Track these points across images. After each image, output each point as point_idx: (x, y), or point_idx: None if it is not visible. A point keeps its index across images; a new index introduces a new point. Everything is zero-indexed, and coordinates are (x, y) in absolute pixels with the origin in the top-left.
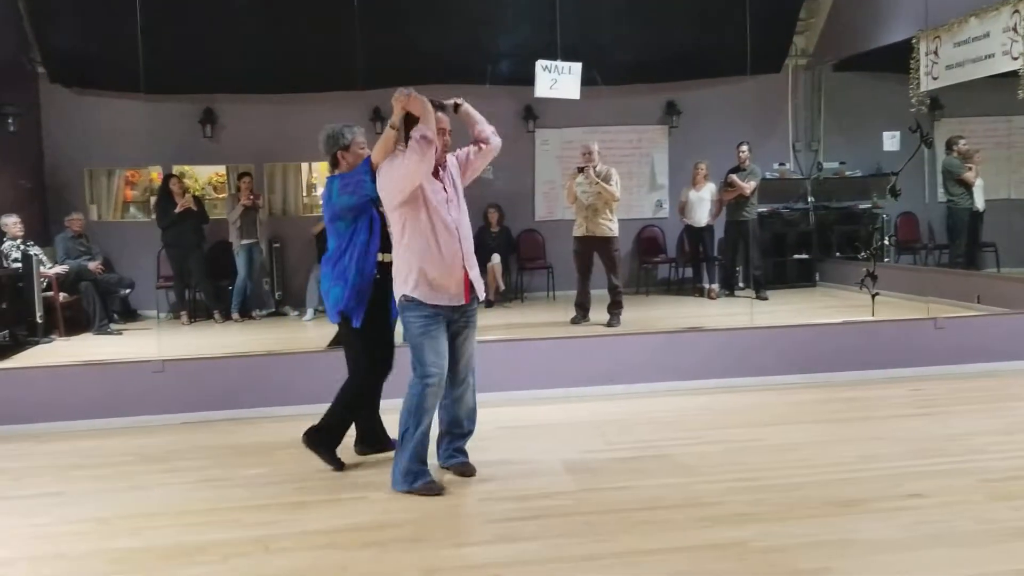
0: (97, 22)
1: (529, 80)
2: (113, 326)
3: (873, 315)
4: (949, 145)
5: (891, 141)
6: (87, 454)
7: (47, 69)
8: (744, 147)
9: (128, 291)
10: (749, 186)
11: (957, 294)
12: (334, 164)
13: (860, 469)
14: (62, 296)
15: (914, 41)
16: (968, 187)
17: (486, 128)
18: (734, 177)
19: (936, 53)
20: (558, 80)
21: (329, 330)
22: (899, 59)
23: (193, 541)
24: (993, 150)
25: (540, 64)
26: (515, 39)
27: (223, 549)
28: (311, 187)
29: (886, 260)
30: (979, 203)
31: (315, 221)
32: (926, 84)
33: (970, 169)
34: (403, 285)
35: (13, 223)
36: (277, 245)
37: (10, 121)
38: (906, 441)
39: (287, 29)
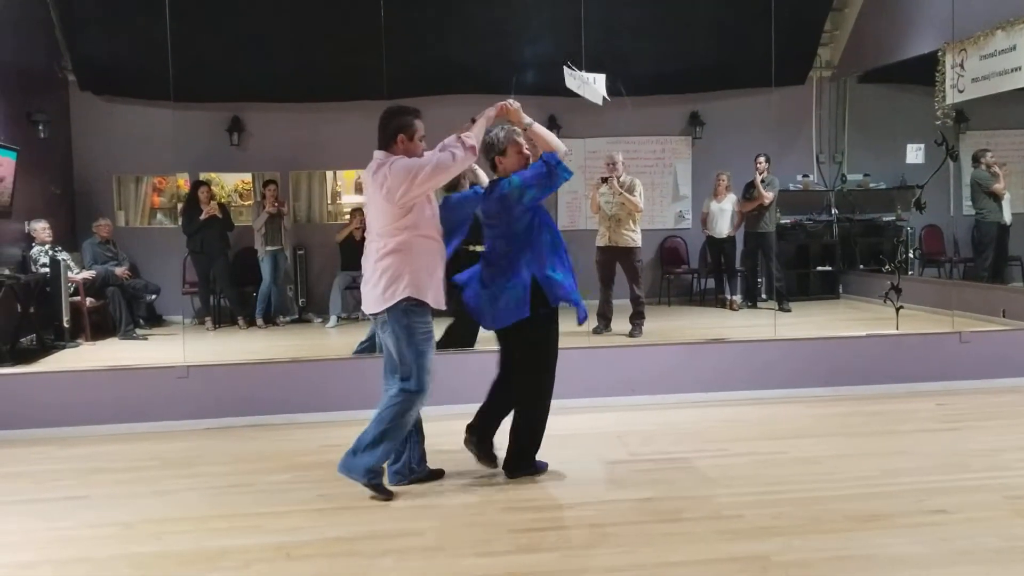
0: (127, 31)
1: (553, 90)
2: (139, 331)
3: (897, 328)
4: (976, 158)
5: (915, 154)
6: (111, 458)
7: (77, 77)
8: (762, 158)
9: (154, 296)
10: (768, 196)
11: (983, 308)
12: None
13: (883, 484)
14: (89, 301)
15: (940, 53)
16: (997, 200)
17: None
18: (758, 179)
19: (962, 66)
20: (584, 86)
21: (350, 338)
22: (924, 71)
23: (215, 546)
24: (1020, 163)
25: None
26: (539, 49)
27: (245, 555)
28: (336, 195)
29: (910, 273)
30: (1007, 216)
31: (339, 228)
32: (952, 97)
33: (999, 181)
34: (408, 288)
35: (42, 228)
36: (302, 252)
37: (40, 128)
38: (930, 456)
39: (314, 38)
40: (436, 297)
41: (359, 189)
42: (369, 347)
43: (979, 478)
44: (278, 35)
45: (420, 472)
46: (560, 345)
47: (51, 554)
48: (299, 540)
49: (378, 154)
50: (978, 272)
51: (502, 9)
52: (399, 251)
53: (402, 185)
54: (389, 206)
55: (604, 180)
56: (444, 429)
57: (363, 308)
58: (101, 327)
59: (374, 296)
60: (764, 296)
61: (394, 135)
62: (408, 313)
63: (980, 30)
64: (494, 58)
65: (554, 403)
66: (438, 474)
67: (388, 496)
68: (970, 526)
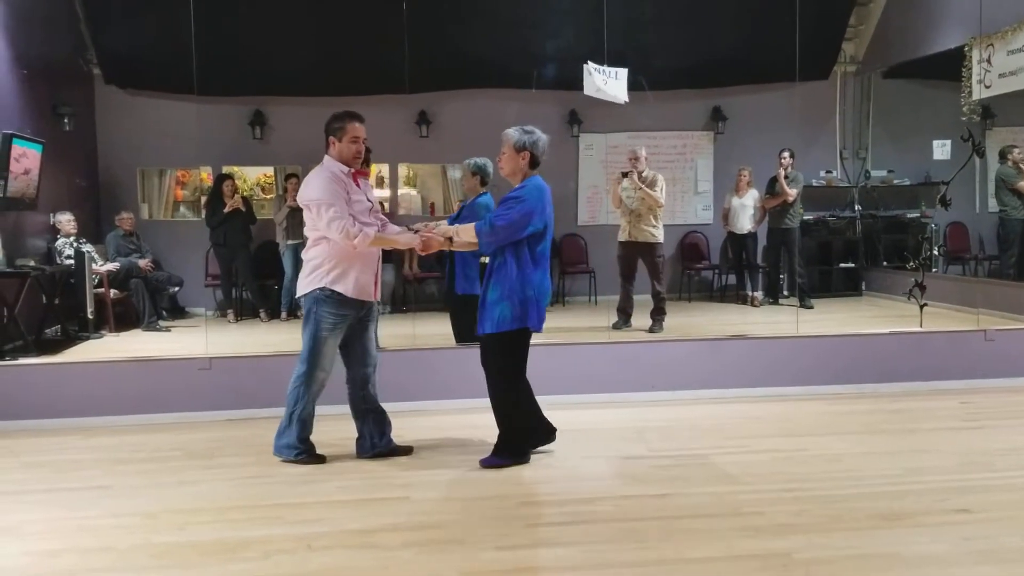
0: (152, 25)
1: (574, 85)
2: (162, 323)
3: (921, 326)
4: (1003, 154)
5: (941, 150)
6: (134, 449)
7: (102, 70)
8: (786, 154)
9: (177, 289)
10: (792, 192)
11: (1008, 305)
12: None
13: (906, 482)
14: (113, 293)
15: (966, 48)
16: (1022, 196)
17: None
18: (782, 175)
19: (989, 61)
20: (607, 82)
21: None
22: (950, 67)
23: (236, 537)
24: None
25: (589, 66)
26: (561, 43)
27: (265, 546)
28: None
29: (935, 270)
30: None
31: None
32: (978, 92)
33: None
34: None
35: (67, 220)
36: None
37: (66, 121)
38: (953, 455)
39: (336, 33)
40: (361, 291)
41: (379, 183)
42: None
43: (1003, 477)
44: (301, 29)
45: (381, 447)
46: (582, 340)
47: (75, 543)
48: (319, 531)
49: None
50: (1003, 270)
51: (524, 4)
52: (319, 243)
53: (311, 208)
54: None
55: (625, 175)
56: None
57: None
58: (124, 319)
59: (300, 281)
60: (786, 292)
61: (327, 138)
62: (319, 302)
63: (1007, 25)
64: (515, 53)
65: (574, 398)
66: (404, 450)
67: (320, 460)
68: (993, 525)
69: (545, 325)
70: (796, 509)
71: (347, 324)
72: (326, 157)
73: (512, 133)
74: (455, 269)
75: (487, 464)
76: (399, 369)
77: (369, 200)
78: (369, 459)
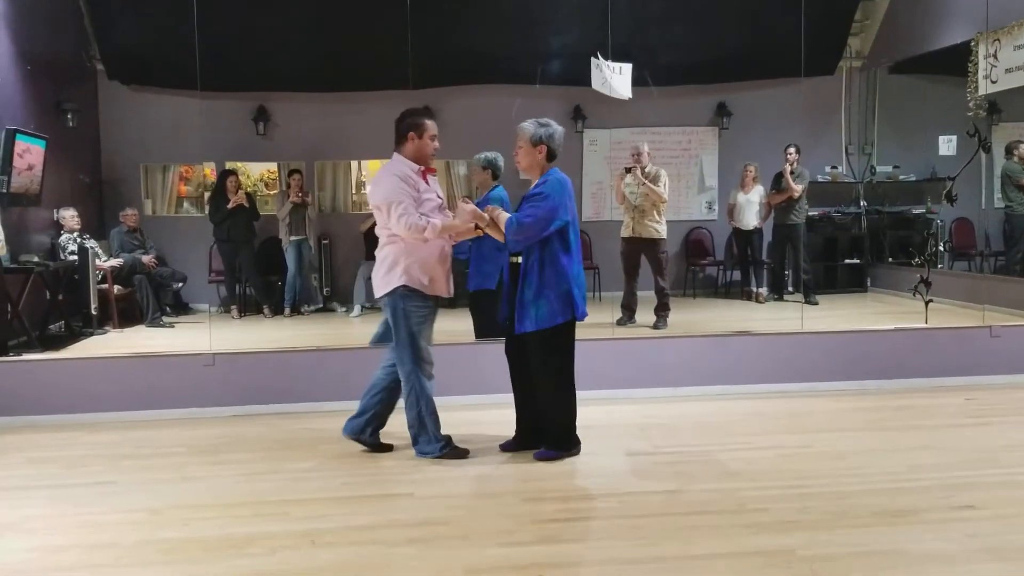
0: (155, 21)
1: (579, 80)
2: (165, 319)
3: (926, 322)
4: (1009, 150)
5: (947, 145)
6: (138, 444)
7: (106, 66)
8: (792, 149)
9: (180, 285)
10: (797, 188)
11: (1014, 302)
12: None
13: (910, 479)
14: (116, 289)
15: (972, 44)
16: None
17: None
18: (788, 171)
19: (995, 56)
20: (612, 78)
21: (373, 327)
22: (956, 62)
23: (241, 533)
24: None
25: (594, 61)
26: (566, 39)
27: (271, 541)
28: (360, 185)
29: (940, 266)
30: None
31: (364, 218)
32: (984, 88)
33: None
34: (404, 275)
35: (71, 216)
36: (326, 242)
37: (69, 117)
38: (958, 451)
39: (340, 28)
40: (435, 285)
41: None
42: (384, 336)
43: (1008, 474)
44: (305, 25)
45: (369, 435)
46: (586, 336)
47: (80, 538)
48: (324, 528)
49: (394, 155)
50: (1009, 266)
51: None
52: (394, 241)
53: (381, 208)
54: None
55: (628, 170)
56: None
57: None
58: (128, 315)
59: (376, 281)
60: (791, 289)
61: (405, 133)
62: (404, 298)
63: (1014, 20)
64: (519, 49)
65: (579, 395)
66: (385, 448)
67: (463, 454)
68: (998, 522)
69: None
70: (800, 506)
71: (434, 314)
72: (396, 156)
73: (527, 127)
74: (470, 265)
75: (540, 457)
76: None
77: (439, 196)
78: (351, 438)
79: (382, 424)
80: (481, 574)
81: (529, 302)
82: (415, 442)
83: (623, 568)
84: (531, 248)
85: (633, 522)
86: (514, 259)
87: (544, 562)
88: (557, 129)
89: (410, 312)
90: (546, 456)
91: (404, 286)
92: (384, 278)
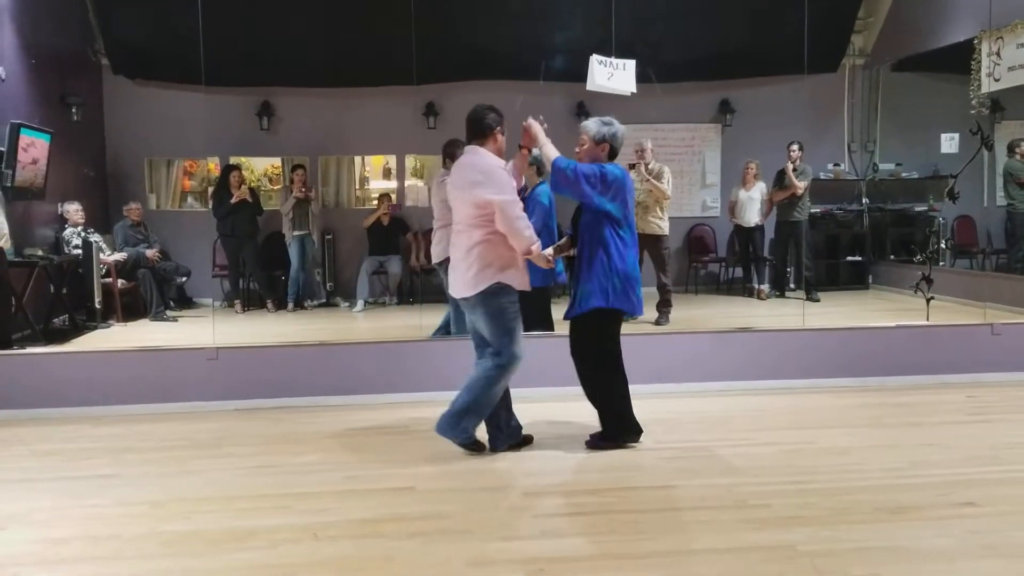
0: (160, 15)
1: (582, 76)
2: (169, 313)
3: (928, 319)
4: (1011, 148)
5: (949, 143)
6: (141, 438)
7: (110, 61)
8: (795, 146)
9: (184, 279)
10: (800, 185)
11: (1015, 300)
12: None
13: (911, 475)
14: (120, 283)
15: (976, 42)
16: None
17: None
18: (790, 168)
19: (998, 54)
20: (613, 75)
21: (376, 322)
22: (959, 60)
23: (243, 526)
24: None
25: (595, 59)
26: (569, 35)
27: (273, 535)
28: (364, 180)
29: (942, 264)
30: None
31: (367, 214)
32: (987, 86)
33: None
34: (497, 274)
35: (75, 210)
36: (329, 237)
37: (74, 111)
38: (959, 448)
39: (344, 24)
40: (521, 280)
41: (387, 175)
42: (444, 331)
43: (1009, 471)
44: (309, 20)
45: (512, 433)
46: None
47: (83, 531)
48: (326, 521)
49: (470, 148)
50: (1011, 264)
51: None
52: (486, 241)
53: (493, 203)
54: (474, 202)
55: (632, 167)
56: None
57: (451, 292)
58: (132, 308)
59: (464, 281)
60: (793, 286)
61: (490, 130)
62: (497, 295)
63: (1017, 18)
64: (523, 44)
65: (578, 390)
66: (526, 440)
67: (481, 449)
68: (999, 519)
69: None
70: (801, 502)
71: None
72: (484, 152)
73: (591, 125)
74: None
75: (591, 446)
76: (406, 360)
77: None
78: (503, 450)
79: (511, 416)
80: (482, 568)
81: (585, 292)
82: (450, 417)
83: (624, 563)
84: (588, 242)
85: (634, 517)
86: (570, 253)
87: (545, 556)
88: (620, 128)
89: (506, 307)
90: (595, 445)
91: (498, 283)
92: (477, 276)
